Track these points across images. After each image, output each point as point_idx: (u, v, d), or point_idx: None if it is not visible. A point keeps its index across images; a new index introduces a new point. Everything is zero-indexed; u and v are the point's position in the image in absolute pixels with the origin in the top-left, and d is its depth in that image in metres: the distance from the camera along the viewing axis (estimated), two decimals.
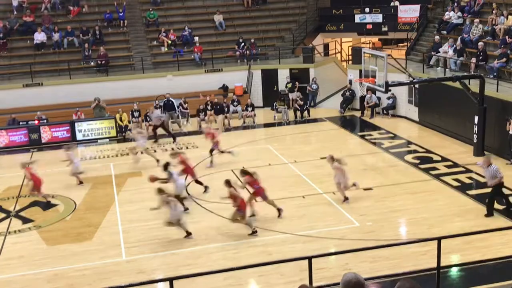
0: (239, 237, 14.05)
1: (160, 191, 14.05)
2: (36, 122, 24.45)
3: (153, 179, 16.03)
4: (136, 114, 25.68)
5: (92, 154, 22.53)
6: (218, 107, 25.88)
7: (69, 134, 24.20)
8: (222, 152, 19.75)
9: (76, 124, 24.44)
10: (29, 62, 28.28)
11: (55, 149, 22.59)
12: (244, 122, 26.14)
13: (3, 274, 12.91)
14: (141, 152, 20.72)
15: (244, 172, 15.10)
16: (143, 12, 32.27)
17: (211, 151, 19.71)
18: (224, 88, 28.66)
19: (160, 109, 25.17)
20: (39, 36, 29.23)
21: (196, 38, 30.40)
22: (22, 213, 16.49)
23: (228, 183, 14.13)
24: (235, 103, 27.00)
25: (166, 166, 16.04)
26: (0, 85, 26.98)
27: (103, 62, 28.66)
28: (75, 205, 16.92)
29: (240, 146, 22.14)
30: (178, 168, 16.82)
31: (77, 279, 12.41)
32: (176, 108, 26.19)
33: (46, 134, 24.07)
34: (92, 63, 28.82)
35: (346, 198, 15.87)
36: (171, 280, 8.25)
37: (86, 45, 29.16)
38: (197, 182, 17.34)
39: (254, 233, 14.05)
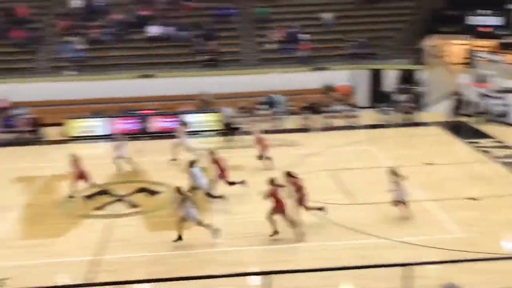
0: (337, 237, 13.95)
1: (178, 190, 14.08)
2: (146, 112, 25.51)
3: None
4: (240, 110, 26.12)
5: (196, 146, 23.15)
6: (317, 106, 25.76)
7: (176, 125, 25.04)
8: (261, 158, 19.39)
9: (182, 115, 25.23)
10: (143, 54, 29.57)
11: (162, 138, 23.48)
12: (347, 122, 25.86)
13: (108, 254, 13.62)
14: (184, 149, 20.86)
15: (289, 175, 14.72)
16: (254, 8, 32.71)
17: (260, 157, 19.47)
18: (328, 87, 28.49)
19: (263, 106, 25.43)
20: (153, 29, 30.47)
21: (304, 36, 30.41)
22: (130, 198, 17.28)
23: (272, 181, 13.94)
24: (339, 103, 26.76)
25: (192, 164, 16.42)
26: (115, 75, 28.37)
27: (212, 56, 29.39)
28: None
29: (341, 147, 21.93)
30: (213, 168, 17.04)
31: (176, 265, 12.85)
32: (280, 105, 26.35)
33: (154, 124, 25.07)
34: (201, 58, 29.62)
35: (405, 216, 15.00)
36: (266, 274, 8.33)
37: (197, 39, 30.03)
38: (229, 183, 17.15)
39: (275, 233, 13.90)
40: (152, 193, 17.64)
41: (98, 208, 16.58)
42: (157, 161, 20.32)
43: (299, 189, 14.44)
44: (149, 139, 24.01)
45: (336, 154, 20.54)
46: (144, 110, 25.67)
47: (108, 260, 13.34)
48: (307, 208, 14.58)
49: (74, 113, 25.85)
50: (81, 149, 21.96)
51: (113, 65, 28.87)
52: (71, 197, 17.17)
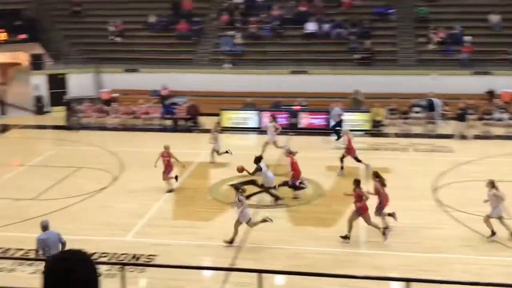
0: (483, 252, 13.09)
1: (237, 188, 14.07)
2: (297, 107, 25.75)
3: (241, 170, 16.41)
4: (391, 111, 25.44)
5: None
6: (473, 112, 24.28)
7: (326, 123, 25.02)
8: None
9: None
10: (298, 50, 29.87)
11: (311, 135, 23.57)
12: (508, 132, 24.11)
13: (248, 242, 13.93)
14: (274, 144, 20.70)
15: (376, 175, 14.34)
16: (414, 7, 31.67)
17: (356, 159, 18.86)
18: (490, 93, 26.75)
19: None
20: (310, 26, 30.65)
21: (467, 38, 28.85)
22: (273, 191, 17.52)
23: (357, 182, 13.79)
24: (501, 110, 25.03)
25: (258, 159, 16.45)
26: (269, 70, 28.95)
27: (367, 55, 28.92)
28: (323, 192, 17.44)
29: (497, 157, 20.51)
30: (288, 168, 16.86)
31: (315, 261, 12.82)
32: (437, 109, 25.23)
33: (304, 120, 25.24)
34: (356, 56, 29.28)
35: (493, 233, 13.55)
36: (407, 281, 8.01)
37: (353, 37, 29.73)
38: (294, 186, 16.75)
39: (345, 237, 13.56)
40: (295, 188, 17.74)
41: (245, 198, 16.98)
42: (302, 157, 20.40)
43: (377, 193, 14.12)
44: (297, 135, 24.19)
45: (491, 164, 19.23)
46: (295, 106, 25.92)
47: (249, 248, 13.65)
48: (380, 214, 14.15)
49: (228, 104, 26.80)
50: (232, 140, 22.75)
51: (269, 60, 29.51)
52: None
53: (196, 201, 16.89)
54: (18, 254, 13.34)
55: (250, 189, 17.67)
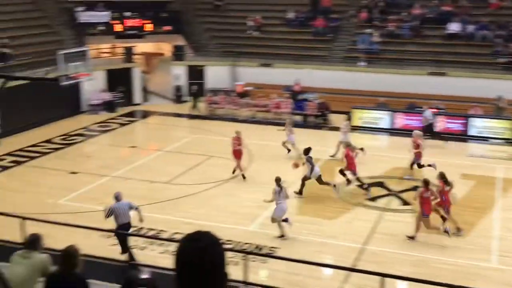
0: None
1: (277, 180, 14.08)
2: (433, 110, 24.76)
3: (296, 166, 16.88)
4: None
5: (482, 153, 21.77)
6: None
7: (464, 128, 23.90)
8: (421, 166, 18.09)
9: (471, 119, 23.95)
10: (438, 51, 28.70)
11: (446, 140, 22.61)
12: None
13: (371, 245, 13.67)
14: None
15: (442, 177, 14.09)
16: None
17: (419, 165, 18.22)
18: None
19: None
20: (453, 26, 29.31)
21: None
22: (402, 195, 17.06)
23: (426, 182, 13.72)
24: None
25: (307, 151, 16.75)
26: (406, 70, 28.10)
27: None
28: (455, 200, 16.63)
29: None
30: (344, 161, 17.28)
31: (439, 271, 12.30)
32: None
33: (440, 123, 24.24)
34: (501, 60, 27.57)
35: None
36: None
37: (499, 40, 28.02)
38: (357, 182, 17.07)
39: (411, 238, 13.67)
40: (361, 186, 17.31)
41: (371, 199, 16.72)
42: (438, 163, 19.64)
43: (440, 194, 14.03)
44: (430, 138, 23.30)
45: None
46: (432, 108, 24.92)
47: (372, 251, 13.40)
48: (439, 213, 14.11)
49: (360, 103, 26.41)
50: (362, 140, 22.40)
51: (406, 60, 28.63)
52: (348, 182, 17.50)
53: (322, 198, 16.85)
54: (149, 234, 14.11)
55: (377, 191, 17.37)
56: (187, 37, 33.00)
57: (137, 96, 30.05)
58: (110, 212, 12.41)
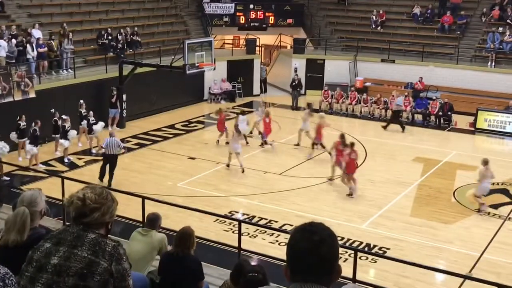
0: None
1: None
2: None
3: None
4: None
5: None
6: None
7: None
8: None
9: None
10: None
11: None
12: None
13: (492, 255, 12.98)
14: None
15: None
16: None
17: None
18: None
19: None
20: None
21: None
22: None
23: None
24: None
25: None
26: None
27: None
28: None
29: None
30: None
31: None
32: None
33: None
34: None
35: None
36: None
37: None
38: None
39: None
40: None
41: (492, 206, 15.86)
42: None
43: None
44: None
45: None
46: None
47: (488, 260, 12.73)
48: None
49: (486, 105, 25.10)
50: (486, 143, 21.33)
51: None
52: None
53: (438, 201, 16.25)
54: (260, 223, 14.32)
55: (500, 198, 16.47)
56: (308, 30, 32.98)
57: (256, 87, 30.51)
58: (105, 144, 16.50)
